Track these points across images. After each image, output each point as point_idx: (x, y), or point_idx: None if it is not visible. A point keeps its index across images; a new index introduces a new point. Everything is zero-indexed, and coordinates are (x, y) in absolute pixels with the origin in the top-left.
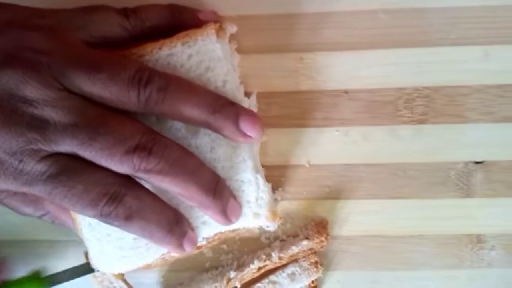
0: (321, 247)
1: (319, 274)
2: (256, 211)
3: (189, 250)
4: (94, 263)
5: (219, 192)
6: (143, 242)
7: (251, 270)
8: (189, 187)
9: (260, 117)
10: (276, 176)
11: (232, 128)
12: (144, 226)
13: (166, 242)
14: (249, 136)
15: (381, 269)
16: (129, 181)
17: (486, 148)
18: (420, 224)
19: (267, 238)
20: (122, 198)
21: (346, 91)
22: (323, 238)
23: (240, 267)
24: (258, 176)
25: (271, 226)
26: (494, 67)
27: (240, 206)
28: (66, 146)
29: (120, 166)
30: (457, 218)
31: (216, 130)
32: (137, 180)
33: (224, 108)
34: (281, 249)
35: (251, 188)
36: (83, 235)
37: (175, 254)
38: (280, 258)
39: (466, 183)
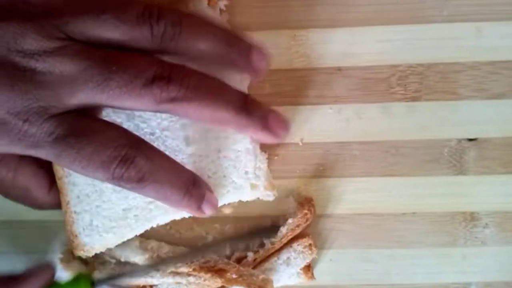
0: (307, 221)
1: (314, 256)
2: (254, 182)
3: (209, 213)
4: (81, 238)
5: (251, 109)
6: (132, 213)
7: (247, 263)
8: (218, 108)
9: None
10: (268, 154)
11: (244, 62)
12: (158, 188)
13: (184, 205)
14: (257, 71)
15: (374, 247)
16: (140, 142)
17: (479, 125)
18: (413, 201)
19: None
20: (133, 160)
21: (339, 68)
22: (306, 211)
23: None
24: (256, 145)
25: (269, 196)
26: (487, 43)
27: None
28: (81, 94)
29: (141, 100)
30: (450, 196)
31: (229, 62)
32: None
33: (237, 40)
34: None
35: (249, 157)
36: (70, 208)
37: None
38: (272, 244)
39: (459, 161)
